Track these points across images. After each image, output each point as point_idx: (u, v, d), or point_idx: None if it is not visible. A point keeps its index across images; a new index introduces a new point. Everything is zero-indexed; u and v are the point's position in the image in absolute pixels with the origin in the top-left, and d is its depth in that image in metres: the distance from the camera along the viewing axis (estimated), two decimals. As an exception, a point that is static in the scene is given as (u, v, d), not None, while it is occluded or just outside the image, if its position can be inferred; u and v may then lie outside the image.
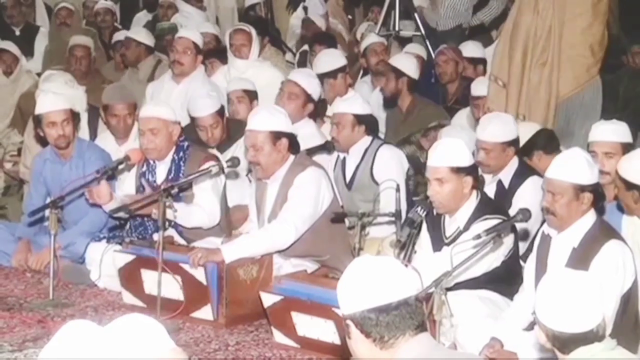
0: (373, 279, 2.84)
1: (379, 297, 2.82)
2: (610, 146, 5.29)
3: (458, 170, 5.12)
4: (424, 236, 5.42)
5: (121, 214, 6.16)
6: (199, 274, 5.60)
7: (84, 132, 7.19)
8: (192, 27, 8.93)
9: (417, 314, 2.85)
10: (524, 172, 5.84)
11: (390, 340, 2.83)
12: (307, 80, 7.08)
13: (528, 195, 5.63)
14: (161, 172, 6.28)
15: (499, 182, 5.87)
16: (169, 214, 5.57)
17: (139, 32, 9.20)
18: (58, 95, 6.65)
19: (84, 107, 7.29)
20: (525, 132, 6.05)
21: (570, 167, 4.58)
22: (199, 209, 6.13)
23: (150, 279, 5.76)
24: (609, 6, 6.83)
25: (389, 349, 2.84)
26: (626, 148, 5.34)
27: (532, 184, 5.72)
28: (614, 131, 5.42)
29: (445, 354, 3.02)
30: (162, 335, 2.26)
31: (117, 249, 6.11)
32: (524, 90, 6.70)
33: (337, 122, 6.57)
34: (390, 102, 7.76)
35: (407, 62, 7.87)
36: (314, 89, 7.08)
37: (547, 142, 6.07)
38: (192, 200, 6.16)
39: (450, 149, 5.16)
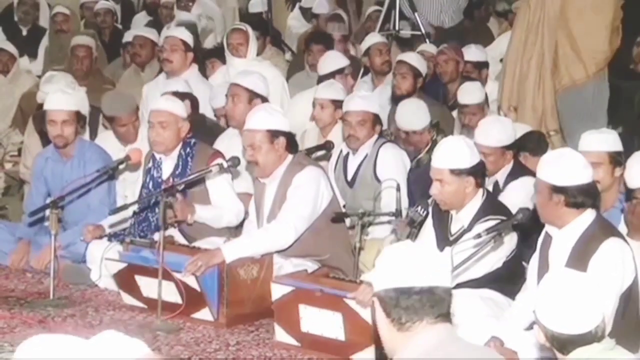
0: (405, 261, 2.93)
1: (404, 279, 2.90)
2: (596, 156, 5.23)
3: (459, 173, 5.12)
4: (427, 232, 5.43)
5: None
6: (191, 282, 5.60)
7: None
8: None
9: (441, 305, 2.91)
10: (517, 172, 5.86)
11: (407, 324, 2.90)
12: (251, 81, 6.80)
13: (513, 195, 5.64)
14: (167, 167, 6.28)
15: (496, 183, 5.88)
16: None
17: (152, 31, 8.96)
18: (67, 95, 6.65)
19: (87, 108, 7.28)
20: (517, 131, 6.10)
21: (550, 166, 4.57)
22: (225, 211, 6.15)
23: (145, 284, 5.77)
24: (618, 7, 6.78)
25: (405, 332, 2.91)
26: (613, 157, 5.33)
27: (520, 184, 5.73)
28: (601, 140, 5.37)
29: (460, 347, 3.01)
30: (137, 344, 2.28)
31: (109, 256, 6.01)
32: (516, 81, 6.74)
33: (360, 119, 6.54)
34: (400, 101, 7.73)
35: (423, 61, 7.89)
36: (257, 86, 6.79)
37: (536, 144, 6.17)
38: (201, 197, 6.14)
39: (450, 150, 5.16)
